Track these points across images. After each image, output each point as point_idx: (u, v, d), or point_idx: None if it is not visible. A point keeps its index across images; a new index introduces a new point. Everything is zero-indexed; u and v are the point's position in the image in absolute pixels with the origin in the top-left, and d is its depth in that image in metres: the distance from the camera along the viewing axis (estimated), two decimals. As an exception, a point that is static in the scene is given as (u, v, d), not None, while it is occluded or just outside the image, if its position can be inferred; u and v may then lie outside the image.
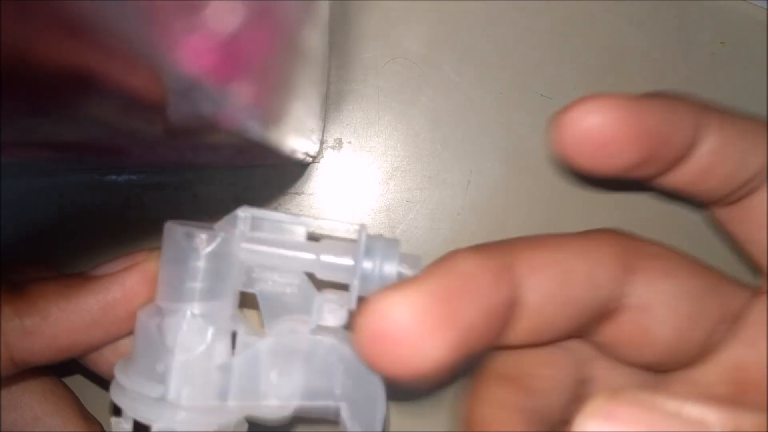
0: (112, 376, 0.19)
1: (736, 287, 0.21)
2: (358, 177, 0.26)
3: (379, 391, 0.19)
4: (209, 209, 0.25)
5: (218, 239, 0.18)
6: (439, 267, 0.17)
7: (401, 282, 0.17)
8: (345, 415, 0.19)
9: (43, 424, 0.21)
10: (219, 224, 0.19)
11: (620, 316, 0.20)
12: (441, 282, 0.17)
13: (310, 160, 0.25)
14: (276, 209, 0.24)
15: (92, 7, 0.09)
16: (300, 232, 0.19)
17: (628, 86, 0.26)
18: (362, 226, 0.19)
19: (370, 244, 0.18)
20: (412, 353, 0.16)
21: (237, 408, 0.18)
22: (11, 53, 0.08)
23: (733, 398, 0.20)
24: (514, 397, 0.19)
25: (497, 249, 0.19)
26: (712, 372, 0.20)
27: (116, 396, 0.18)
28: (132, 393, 0.18)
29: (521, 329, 0.19)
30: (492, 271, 0.17)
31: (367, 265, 0.18)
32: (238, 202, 0.25)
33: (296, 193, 0.26)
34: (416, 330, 0.16)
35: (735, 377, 0.20)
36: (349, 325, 0.19)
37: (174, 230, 0.18)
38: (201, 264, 0.18)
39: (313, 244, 0.19)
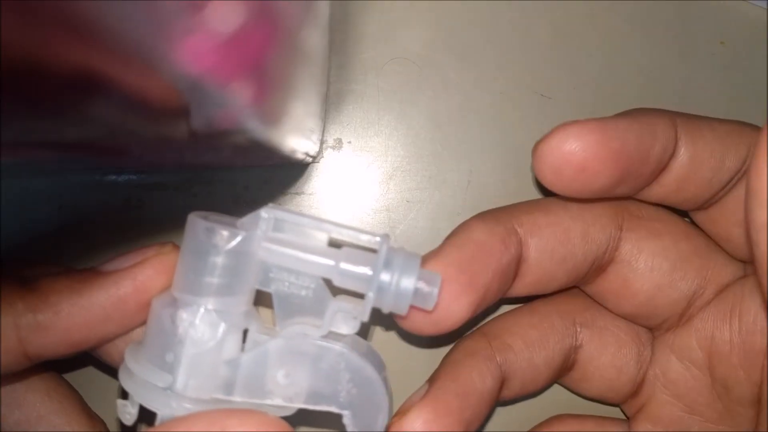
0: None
1: (728, 260, 0.22)
2: (358, 177, 0.26)
3: (383, 403, 0.19)
4: (209, 209, 0.25)
5: (239, 237, 0.18)
6: (456, 239, 0.21)
7: (427, 255, 0.20)
8: (347, 422, 0.19)
9: (47, 422, 0.21)
10: (241, 222, 0.19)
11: (609, 269, 0.22)
12: (459, 253, 0.20)
13: (310, 160, 0.25)
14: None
15: (93, 6, 0.09)
16: (321, 237, 0.19)
17: (628, 86, 0.26)
18: (384, 237, 0.19)
19: (391, 256, 0.19)
20: (440, 317, 0.20)
21: (241, 404, 0.18)
22: (14, 53, 0.08)
23: (708, 366, 0.22)
24: (487, 349, 0.21)
25: (503, 214, 0.21)
26: (691, 337, 0.22)
27: (124, 380, 0.18)
28: (140, 379, 0.18)
29: (526, 283, 0.22)
30: (501, 236, 0.20)
31: (385, 277, 0.18)
32: (237, 203, 0.25)
33: (296, 193, 0.26)
34: (444, 298, 0.19)
35: (708, 347, 0.22)
36: (361, 333, 0.19)
37: (196, 224, 0.18)
38: (220, 260, 0.18)
39: (333, 250, 0.19)
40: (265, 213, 0.18)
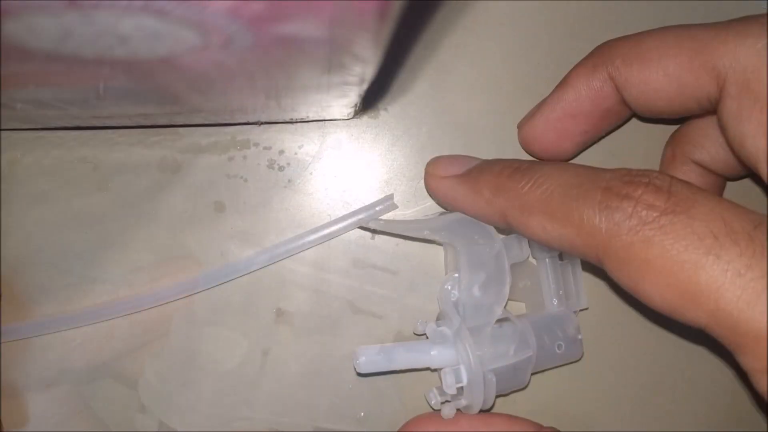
0: None
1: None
2: (393, 144, 0.26)
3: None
4: (244, 172, 0.26)
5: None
6: (559, 89, 0.24)
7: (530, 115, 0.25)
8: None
9: None
10: None
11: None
12: (560, 101, 0.24)
13: (350, 115, 0.25)
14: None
15: None
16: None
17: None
18: None
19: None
20: (551, 154, 0.25)
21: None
22: None
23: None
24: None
25: (600, 58, 0.23)
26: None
27: None
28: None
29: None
30: (597, 84, 0.23)
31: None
32: (272, 167, 0.26)
33: (330, 159, 0.26)
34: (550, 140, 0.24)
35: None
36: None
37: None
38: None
39: None
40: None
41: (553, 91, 0.24)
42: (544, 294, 0.25)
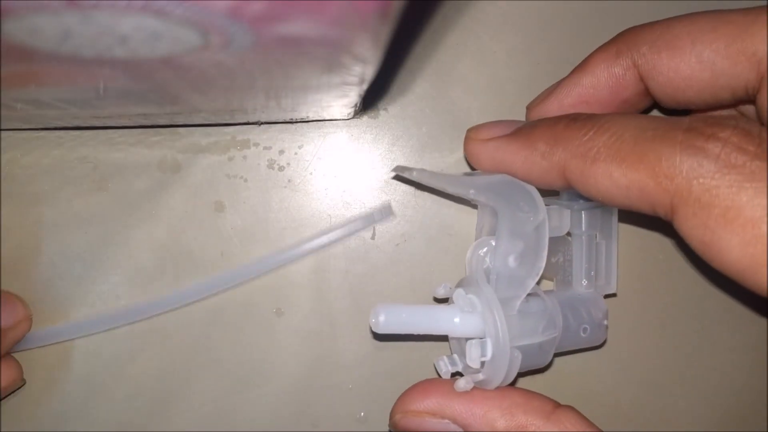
0: None
1: None
2: (393, 144, 0.26)
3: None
4: (243, 172, 0.26)
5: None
6: (577, 73, 0.23)
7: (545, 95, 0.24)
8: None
9: None
10: None
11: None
12: (577, 86, 0.23)
13: (349, 115, 0.25)
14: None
15: None
16: None
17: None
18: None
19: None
20: None
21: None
22: None
23: None
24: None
25: (625, 44, 0.22)
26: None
27: None
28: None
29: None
30: (620, 72, 0.22)
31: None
32: (272, 167, 0.26)
33: (330, 159, 0.26)
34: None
35: None
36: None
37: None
38: None
39: None
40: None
41: (570, 75, 0.23)
42: (575, 272, 0.24)
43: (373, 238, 0.26)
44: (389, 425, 0.22)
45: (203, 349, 0.26)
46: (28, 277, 0.25)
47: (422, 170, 0.23)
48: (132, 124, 0.25)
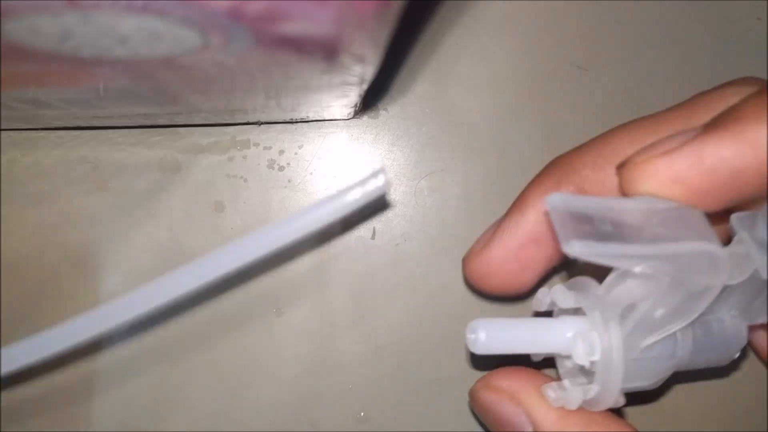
0: None
1: None
2: (393, 144, 0.26)
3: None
4: (243, 173, 0.26)
5: None
6: (515, 212, 0.21)
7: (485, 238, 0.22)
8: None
9: None
10: None
11: None
12: (521, 225, 0.21)
13: (349, 115, 0.25)
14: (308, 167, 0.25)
15: None
16: None
17: (663, 58, 0.26)
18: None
19: None
20: (511, 290, 0.22)
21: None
22: None
23: None
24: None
25: (562, 170, 0.21)
26: None
27: None
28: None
29: None
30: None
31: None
32: (272, 167, 0.26)
33: (330, 159, 0.26)
34: (509, 273, 0.22)
35: None
36: None
37: None
38: None
39: None
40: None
41: (508, 215, 0.22)
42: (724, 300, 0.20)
43: (373, 238, 0.26)
44: (468, 393, 0.21)
45: (203, 348, 0.26)
46: (28, 277, 0.25)
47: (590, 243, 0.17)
48: (132, 124, 0.25)
